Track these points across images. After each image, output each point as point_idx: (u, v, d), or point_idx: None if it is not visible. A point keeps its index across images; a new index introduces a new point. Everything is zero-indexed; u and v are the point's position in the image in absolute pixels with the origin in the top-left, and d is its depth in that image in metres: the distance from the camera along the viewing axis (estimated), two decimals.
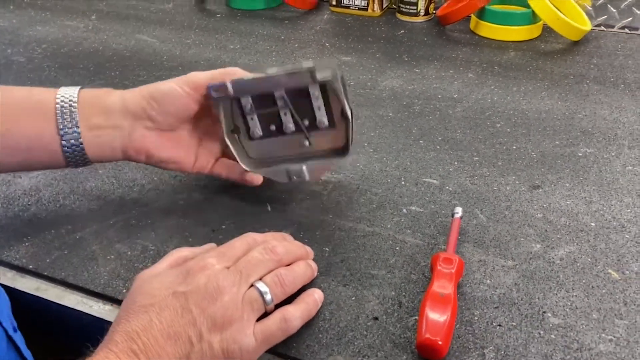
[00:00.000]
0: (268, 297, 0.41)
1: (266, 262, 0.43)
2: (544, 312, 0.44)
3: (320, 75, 0.50)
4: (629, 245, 0.50)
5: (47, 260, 0.50)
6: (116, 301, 0.47)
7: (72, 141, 0.49)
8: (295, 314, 0.41)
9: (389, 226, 0.53)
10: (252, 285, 0.41)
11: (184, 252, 0.45)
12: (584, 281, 0.47)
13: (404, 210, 0.55)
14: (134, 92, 0.51)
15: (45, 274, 0.49)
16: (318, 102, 0.52)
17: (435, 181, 0.59)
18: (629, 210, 0.54)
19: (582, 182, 0.58)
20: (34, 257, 0.50)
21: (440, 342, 0.39)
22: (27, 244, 0.52)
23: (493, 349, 0.41)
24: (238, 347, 0.38)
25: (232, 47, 0.92)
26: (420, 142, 0.66)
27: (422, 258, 0.49)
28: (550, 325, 0.43)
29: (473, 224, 0.53)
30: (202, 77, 0.51)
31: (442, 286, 0.43)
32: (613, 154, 0.63)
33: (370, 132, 0.68)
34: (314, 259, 0.48)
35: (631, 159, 0.62)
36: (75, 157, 0.50)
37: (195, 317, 0.38)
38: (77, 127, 0.49)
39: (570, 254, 0.49)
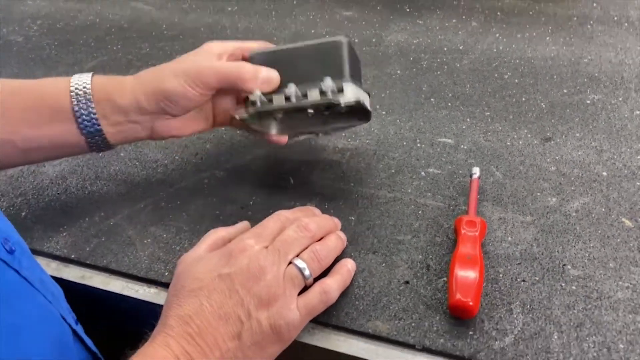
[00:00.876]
0: (307, 272, 0.43)
1: (301, 240, 0.45)
2: (564, 264, 0.47)
3: (343, 99, 0.47)
4: None
5: (87, 249, 0.52)
6: (160, 284, 0.49)
7: (97, 137, 0.50)
8: (333, 286, 0.44)
9: (409, 190, 0.55)
10: (290, 263, 0.44)
11: (221, 232, 0.47)
12: (599, 232, 0.49)
13: (422, 173, 0.57)
14: (145, 91, 0.49)
15: (88, 262, 0.51)
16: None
17: (450, 140, 0.60)
18: (639, 157, 0.56)
19: (591, 130, 0.60)
20: (74, 246, 0.53)
21: (471, 303, 0.42)
22: (64, 234, 0.54)
23: (519, 304, 0.44)
24: (284, 322, 0.41)
25: (229, 9, 0.91)
26: (432, 100, 0.67)
27: (445, 220, 0.52)
28: (571, 277, 0.46)
29: (490, 182, 0.55)
30: (213, 78, 0.49)
31: (468, 249, 0.46)
32: (620, 99, 0.64)
33: (381, 93, 0.68)
34: (341, 229, 0.50)
35: (638, 103, 0.63)
36: (100, 147, 0.51)
37: (242, 297, 0.41)
38: (99, 125, 0.49)
39: (585, 205, 0.52)
